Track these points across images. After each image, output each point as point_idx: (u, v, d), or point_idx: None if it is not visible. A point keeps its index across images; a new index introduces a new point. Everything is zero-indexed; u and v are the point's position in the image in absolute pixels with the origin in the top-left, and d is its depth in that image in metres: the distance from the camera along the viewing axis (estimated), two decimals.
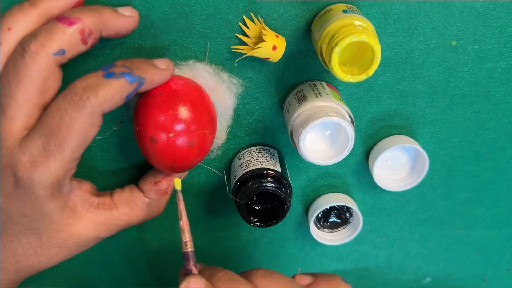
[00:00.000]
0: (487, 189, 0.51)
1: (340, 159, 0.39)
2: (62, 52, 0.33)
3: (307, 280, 0.36)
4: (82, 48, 0.34)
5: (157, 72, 0.35)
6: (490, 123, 0.47)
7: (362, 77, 0.35)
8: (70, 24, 0.32)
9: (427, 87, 0.44)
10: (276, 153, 0.45)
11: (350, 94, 0.44)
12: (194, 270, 0.33)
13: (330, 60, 0.35)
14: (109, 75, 0.33)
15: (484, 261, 0.57)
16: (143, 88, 0.35)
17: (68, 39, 0.33)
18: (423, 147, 0.46)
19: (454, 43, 0.42)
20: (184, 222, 0.35)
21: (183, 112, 0.36)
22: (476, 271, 0.58)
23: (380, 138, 0.47)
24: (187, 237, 0.34)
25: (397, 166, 0.48)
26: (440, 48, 0.42)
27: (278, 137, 0.46)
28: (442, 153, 0.48)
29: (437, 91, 0.44)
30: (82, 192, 0.38)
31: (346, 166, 0.49)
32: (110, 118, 0.42)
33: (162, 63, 0.36)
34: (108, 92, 0.32)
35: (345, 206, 0.50)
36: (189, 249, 0.34)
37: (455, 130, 0.47)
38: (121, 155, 0.45)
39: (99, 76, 0.33)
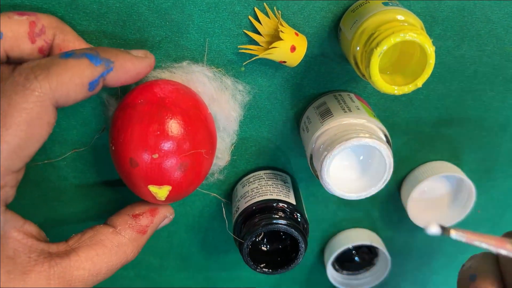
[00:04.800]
0: None
1: (374, 193, 0.35)
2: None
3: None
4: (27, 45, 0.29)
5: (130, 58, 0.30)
6: None
7: (411, 88, 0.31)
8: (21, 14, 0.29)
9: (478, 104, 0.40)
10: (289, 179, 0.41)
11: (383, 110, 0.40)
12: None
13: (369, 65, 0.30)
14: (67, 55, 0.27)
15: None
16: (113, 77, 0.29)
17: (11, 26, 0.28)
18: (469, 177, 0.43)
19: None
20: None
21: (172, 126, 0.31)
22: None
23: (416, 165, 0.44)
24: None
25: (436, 198, 0.45)
26: (497, 56, 0.38)
27: (292, 160, 0.42)
28: (489, 184, 0.45)
29: (489, 109, 0.41)
30: (23, 234, 0.28)
31: (373, 197, 0.43)
32: (89, 129, 0.38)
33: (138, 52, 0.32)
34: (64, 72, 0.26)
35: (370, 245, 0.46)
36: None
37: (509, 158, 0.43)
38: (98, 176, 0.41)
39: (55, 57, 0.27)
